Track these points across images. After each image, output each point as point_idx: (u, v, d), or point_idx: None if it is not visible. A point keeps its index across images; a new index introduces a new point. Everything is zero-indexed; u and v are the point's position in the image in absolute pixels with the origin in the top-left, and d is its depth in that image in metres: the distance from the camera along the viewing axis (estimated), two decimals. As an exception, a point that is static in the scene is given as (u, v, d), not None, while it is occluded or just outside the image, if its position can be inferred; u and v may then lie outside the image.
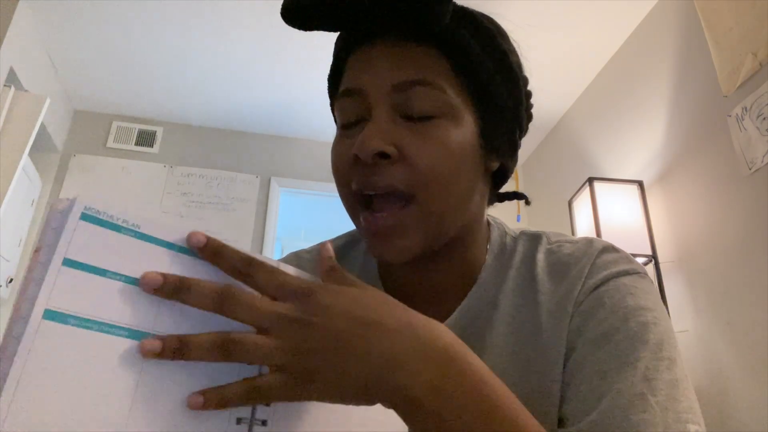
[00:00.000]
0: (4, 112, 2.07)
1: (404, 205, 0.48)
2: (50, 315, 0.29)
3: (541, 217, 2.96)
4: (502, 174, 0.58)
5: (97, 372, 0.30)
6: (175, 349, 0.33)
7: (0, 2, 2.13)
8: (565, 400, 0.47)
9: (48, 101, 2.22)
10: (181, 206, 2.87)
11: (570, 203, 2.22)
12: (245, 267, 0.36)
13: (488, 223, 0.60)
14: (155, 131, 3.02)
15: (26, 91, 2.27)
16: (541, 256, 0.56)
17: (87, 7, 2.28)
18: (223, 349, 0.33)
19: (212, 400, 0.33)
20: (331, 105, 0.59)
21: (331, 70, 0.57)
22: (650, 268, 1.91)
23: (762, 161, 1.57)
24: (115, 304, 0.32)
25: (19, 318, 0.29)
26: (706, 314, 1.74)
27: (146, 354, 0.32)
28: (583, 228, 2.08)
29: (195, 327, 0.34)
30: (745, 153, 1.64)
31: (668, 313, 1.81)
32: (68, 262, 0.31)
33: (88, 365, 0.30)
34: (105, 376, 0.30)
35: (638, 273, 0.52)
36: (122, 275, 0.32)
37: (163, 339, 0.33)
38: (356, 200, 0.50)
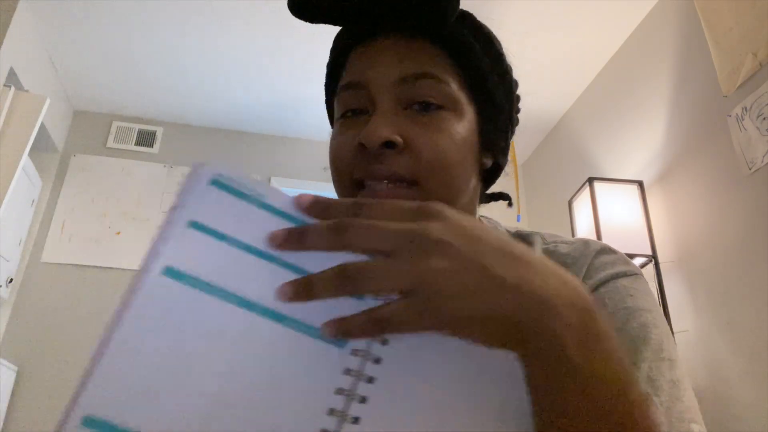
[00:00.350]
0: (4, 112, 2.07)
1: (408, 188, 0.48)
2: (169, 272, 0.31)
3: (541, 217, 2.96)
4: (494, 172, 0.59)
5: (199, 333, 0.31)
6: (301, 291, 0.32)
7: (0, 2, 2.13)
8: None
9: (48, 101, 2.22)
10: (181, 206, 2.87)
11: (570, 203, 2.22)
12: (356, 209, 0.33)
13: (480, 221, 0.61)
14: (155, 131, 3.02)
15: (26, 91, 2.27)
16: None
17: (87, 7, 2.28)
18: (346, 278, 0.31)
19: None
20: (328, 99, 0.60)
21: (331, 64, 0.57)
22: (650, 268, 1.91)
23: (762, 161, 1.57)
24: (230, 270, 0.32)
25: (142, 270, 0.31)
26: (706, 314, 1.74)
27: (281, 298, 0.32)
28: (583, 228, 2.08)
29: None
30: (745, 153, 1.64)
31: (668, 313, 1.82)
32: (194, 224, 0.32)
33: (195, 325, 0.31)
34: (206, 339, 0.31)
35: (635, 274, 0.53)
36: (241, 242, 0.33)
37: (290, 283, 0.32)
38: (355, 190, 0.50)
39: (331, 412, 0.31)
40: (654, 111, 2.10)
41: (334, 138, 0.54)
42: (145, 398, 0.29)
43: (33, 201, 2.59)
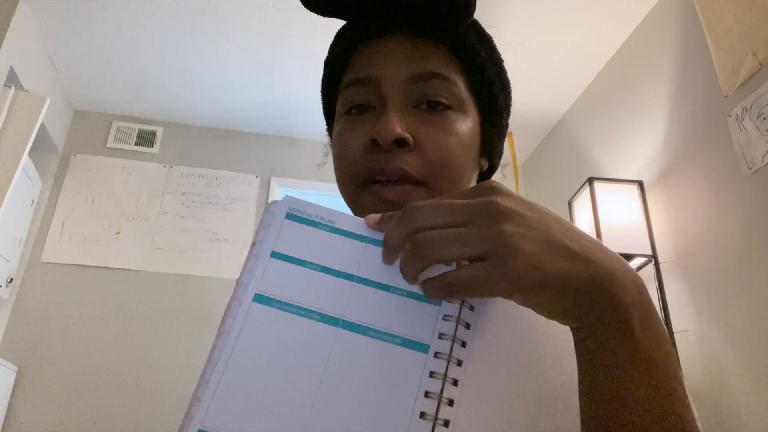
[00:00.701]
0: (4, 112, 2.07)
1: (415, 187, 0.49)
2: (259, 298, 0.35)
3: (541, 217, 2.95)
4: (487, 174, 0.60)
5: (292, 350, 0.34)
6: (387, 257, 0.35)
7: (0, 2, 2.13)
8: None
9: (48, 101, 2.22)
10: (181, 206, 2.87)
11: (570, 203, 2.22)
12: (409, 215, 0.34)
13: None
14: (155, 131, 3.02)
15: (26, 91, 2.27)
16: None
17: (87, 7, 2.28)
18: (421, 246, 0.32)
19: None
20: (327, 96, 0.59)
21: (333, 60, 0.56)
22: (650, 268, 1.91)
23: (762, 161, 1.57)
24: (312, 291, 0.36)
25: (234, 300, 0.35)
26: (706, 314, 1.74)
27: (387, 259, 0.36)
28: (584, 228, 2.08)
29: (381, 311, 0.36)
30: (745, 153, 1.64)
31: (668, 313, 1.82)
32: (275, 254, 0.37)
33: (286, 344, 0.34)
34: (298, 355, 0.34)
35: None
36: (319, 265, 0.37)
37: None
38: (363, 184, 0.50)
39: (422, 415, 0.33)
40: (654, 111, 2.10)
41: (340, 134, 0.53)
42: (252, 411, 0.32)
43: (33, 201, 2.59)
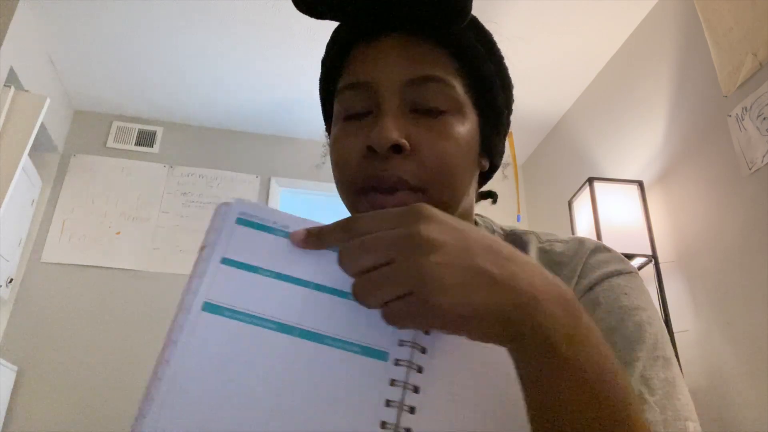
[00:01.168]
0: (4, 112, 2.07)
1: (412, 195, 0.48)
2: (208, 307, 0.33)
3: (541, 217, 2.96)
4: (489, 173, 0.60)
5: (245, 362, 0.32)
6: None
7: (0, 2, 2.13)
8: None
9: (48, 101, 2.22)
10: (181, 206, 2.87)
11: (570, 203, 2.22)
12: (346, 229, 0.35)
13: (476, 223, 0.61)
14: (155, 131, 3.02)
15: (26, 91, 2.27)
16: (532, 255, 0.56)
17: (87, 7, 2.28)
18: (357, 292, 0.33)
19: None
20: (325, 97, 0.59)
21: (329, 62, 0.56)
22: (650, 268, 1.91)
23: (762, 161, 1.57)
24: (265, 298, 0.34)
25: (181, 309, 0.33)
26: (706, 314, 1.74)
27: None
28: (584, 228, 2.08)
29: (339, 318, 0.35)
30: (745, 153, 1.64)
31: (668, 313, 1.82)
32: (225, 261, 0.34)
33: (239, 355, 0.32)
34: (252, 366, 0.32)
35: (630, 272, 0.52)
36: (272, 271, 0.35)
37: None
38: (361, 191, 0.50)
39: (384, 425, 0.32)
40: (654, 111, 2.10)
41: (337, 140, 0.52)
42: (202, 429, 0.31)
43: (33, 201, 2.59)
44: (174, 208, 2.86)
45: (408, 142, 0.47)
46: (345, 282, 0.34)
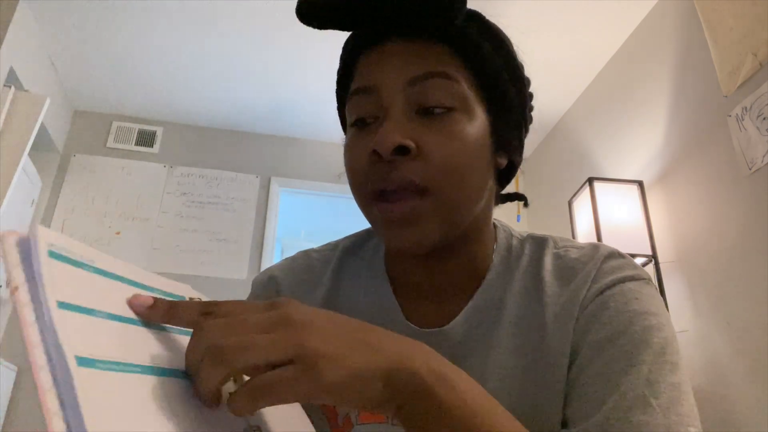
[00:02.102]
0: (4, 112, 2.07)
1: (420, 196, 0.48)
2: (82, 361, 0.27)
3: (541, 217, 2.96)
4: (509, 171, 0.59)
5: (145, 413, 0.29)
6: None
7: (0, 2, 2.13)
8: (569, 402, 0.48)
9: (48, 101, 2.22)
10: (181, 206, 2.87)
11: (570, 203, 2.22)
12: (206, 310, 0.34)
13: (495, 226, 0.61)
14: (155, 131, 3.02)
15: (26, 91, 2.27)
16: (548, 260, 0.56)
17: (87, 7, 2.28)
18: (222, 360, 0.31)
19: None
20: (340, 105, 0.59)
21: (341, 71, 0.57)
22: (650, 268, 1.91)
23: (762, 161, 1.57)
24: (121, 343, 0.30)
25: (59, 367, 0.27)
26: (706, 314, 1.74)
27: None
28: (584, 228, 2.08)
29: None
30: (745, 153, 1.64)
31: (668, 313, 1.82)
32: (61, 305, 0.28)
33: (137, 406, 0.29)
34: (148, 420, 0.29)
35: (643, 279, 0.53)
36: (107, 313, 0.31)
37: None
38: (372, 196, 0.50)
39: None
40: (654, 111, 2.10)
41: (347, 146, 0.53)
42: None
43: (33, 201, 2.59)
44: (174, 208, 2.86)
45: (414, 143, 0.47)
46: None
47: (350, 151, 0.52)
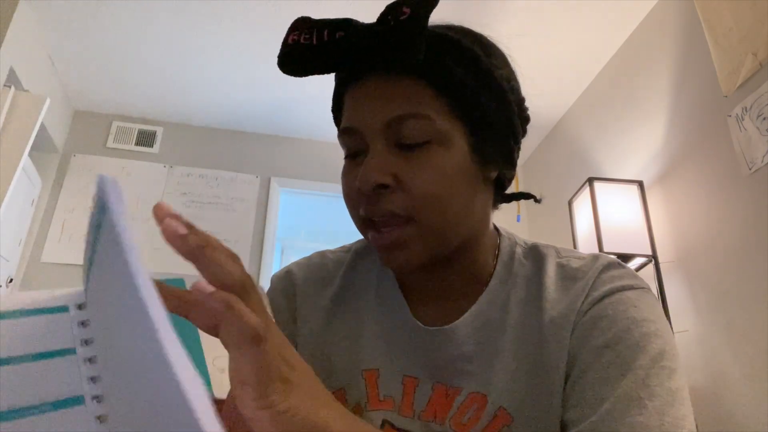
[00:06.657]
0: (4, 112, 2.07)
1: (405, 223, 0.52)
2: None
3: (541, 217, 2.96)
4: (502, 181, 0.61)
5: None
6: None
7: (0, 2, 2.13)
8: (568, 406, 0.49)
9: (48, 101, 2.23)
10: (181, 206, 2.87)
11: (570, 203, 2.22)
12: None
13: (498, 233, 0.63)
14: (155, 131, 3.02)
15: (26, 91, 2.27)
16: (550, 268, 0.58)
17: (87, 7, 2.28)
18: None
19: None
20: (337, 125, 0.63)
21: (333, 104, 0.61)
22: (650, 268, 1.91)
23: (762, 161, 1.57)
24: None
25: None
26: (706, 314, 1.74)
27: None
28: (583, 228, 2.08)
29: (12, 387, 0.29)
30: (745, 153, 1.64)
31: (668, 313, 1.82)
32: None
33: None
34: None
35: (642, 288, 0.54)
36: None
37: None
38: (364, 223, 0.55)
39: None
40: (654, 111, 2.10)
41: (342, 176, 0.57)
42: None
43: (33, 201, 2.59)
44: (174, 208, 2.86)
45: (395, 175, 0.51)
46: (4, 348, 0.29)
47: (343, 182, 0.57)
